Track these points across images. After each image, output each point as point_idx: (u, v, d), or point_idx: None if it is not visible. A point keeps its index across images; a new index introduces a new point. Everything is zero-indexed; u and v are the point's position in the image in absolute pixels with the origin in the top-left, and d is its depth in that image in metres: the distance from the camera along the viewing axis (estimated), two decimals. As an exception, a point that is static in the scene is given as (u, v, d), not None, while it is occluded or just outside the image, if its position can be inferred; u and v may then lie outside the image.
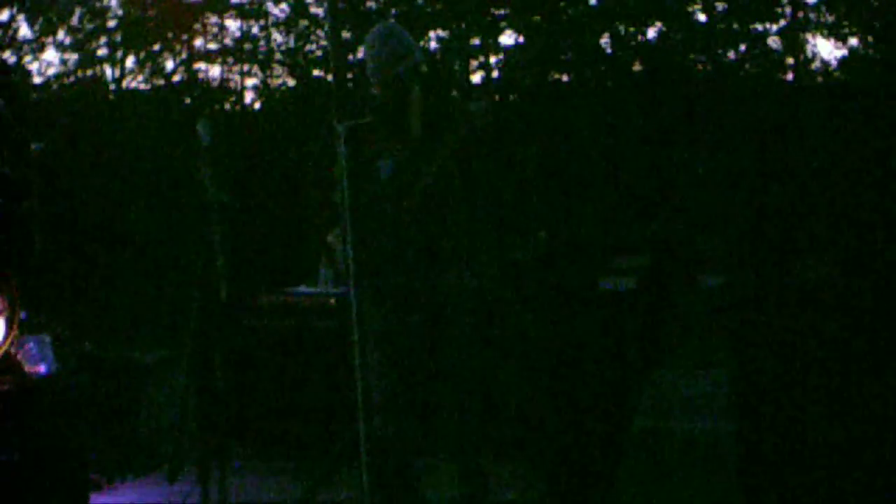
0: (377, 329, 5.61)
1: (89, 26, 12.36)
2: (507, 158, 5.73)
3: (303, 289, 7.74)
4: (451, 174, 5.56)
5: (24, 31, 12.31)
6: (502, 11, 12.13)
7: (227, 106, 12.34)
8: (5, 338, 6.92)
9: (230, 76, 12.46)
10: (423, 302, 5.59)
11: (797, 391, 6.04)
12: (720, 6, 11.77)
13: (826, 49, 11.87)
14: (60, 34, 12.35)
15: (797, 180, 8.91)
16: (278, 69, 12.51)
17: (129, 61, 12.47)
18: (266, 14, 12.40)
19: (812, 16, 11.71)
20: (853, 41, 11.63)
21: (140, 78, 12.47)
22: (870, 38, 11.63)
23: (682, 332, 6.60)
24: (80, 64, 12.38)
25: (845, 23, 11.63)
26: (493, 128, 5.50)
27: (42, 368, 6.88)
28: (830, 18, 11.64)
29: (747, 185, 9.22)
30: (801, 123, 9.85)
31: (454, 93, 9.76)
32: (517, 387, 6.70)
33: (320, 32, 12.32)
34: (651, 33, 11.90)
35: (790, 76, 11.70)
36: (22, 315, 6.96)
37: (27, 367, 6.86)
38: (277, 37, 12.50)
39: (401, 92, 5.67)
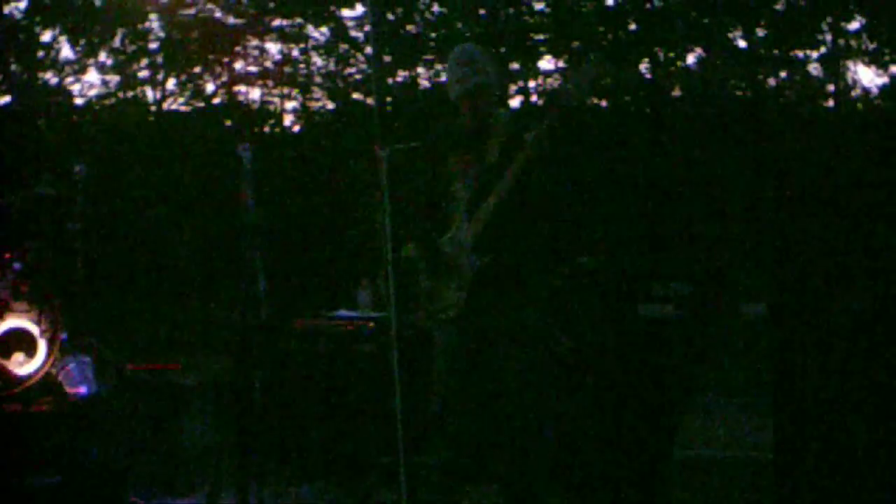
0: (440, 354, 5.66)
1: (131, 48, 12.44)
2: (550, 182, 5.73)
3: (342, 312, 7.74)
4: (510, 199, 5.57)
5: (66, 52, 12.41)
6: (542, 36, 12.14)
7: (267, 128, 12.38)
8: (46, 359, 6.97)
9: (270, 99, 12.50)
10: (481, 329, 5.61)
11: (839, 422, 5.99)
12: (761, 32, 11.73)
13: (867, 76, 11.82)
14: (102, 56, 12.44)
15: (840, 208, 8.86)
16: (318, 92, 12.55)
17: (170, 83, 12.54)
18: (306, 37, 12.44)
19: (853, 43, 11.66)
20: (894, 68, 11.58)
21: (181, 100, 12.54)
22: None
23: (722, 361, 6.56)
24: (122, 86, 12.45)
25: (886, 50, 11.58)
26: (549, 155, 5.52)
27: (83, 390, 6.92)
28: (871, 46, 11.59)
29: (789, 212, 9.17)
30: (841, 151, 9.81)
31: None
32: (558, 413, 6.69)
33: (360, 56, 12.37)
34: (691, 59, 11.89)
35: (831, 103, 11.65)
36: (63, 336, 7.02)
37: (68, 389, 6.91)
38: (317, 60, 12.54)
39: (477, 113, 5.71)
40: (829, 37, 11.68)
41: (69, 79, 12.42)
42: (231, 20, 12.39)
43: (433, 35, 12.29)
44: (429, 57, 12.21)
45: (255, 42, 12.46)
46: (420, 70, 12.22)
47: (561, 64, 12.09)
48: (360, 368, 7.20)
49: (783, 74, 11.66)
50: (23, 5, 12.16)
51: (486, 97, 5.73)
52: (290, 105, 12.57)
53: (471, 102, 5.71)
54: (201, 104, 12.48)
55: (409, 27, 12.26)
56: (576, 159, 9.88)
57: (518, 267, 5.59)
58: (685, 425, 6.36)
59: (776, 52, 11.69)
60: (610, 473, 6.53)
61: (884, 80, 11.62)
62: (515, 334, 5.52)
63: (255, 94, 12.49)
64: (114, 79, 12.47)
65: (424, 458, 5.82)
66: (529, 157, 5.47)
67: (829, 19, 11.63)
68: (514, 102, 12.03)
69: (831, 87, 11.70)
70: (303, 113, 12.52)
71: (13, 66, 12.23)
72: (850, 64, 11.64)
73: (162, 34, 12.45)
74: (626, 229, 9.80)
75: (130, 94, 12.53)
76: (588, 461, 6.58)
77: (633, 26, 12.00)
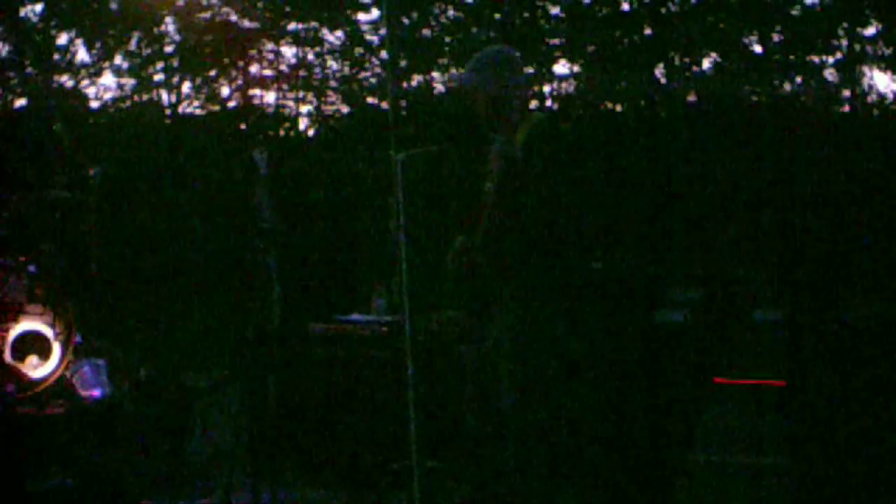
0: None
1: (146, 51, 12.46)
2: (560, 187, 5.76)
3: (355, 317, 7.73)
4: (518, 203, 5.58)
5: (82, 55, 12.44)
6: (557, 41, 12.13)
7: (282, 132, 12.39)
8: (60, 362, 6.98)
9: (285, 102, 12.51)
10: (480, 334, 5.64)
11: (852, 428, 5.98)
12: (776, 37, 11.72)
13: (883, 82, 11.81)
14: (118, 59, 12.47)
15: (856, 213, 8.84)
16: (333, 96, 12.56)
17: (186, 87, 12.56)
18: (321, 41, 12.45)
19: (869, 48, 11.64)
20: (910, 74, 11.57)
21: (196, 103, 12.56)
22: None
23: (735, 367, 6.55)
24: (137, 89, 12.48)
25: (902, 56, 11.57)
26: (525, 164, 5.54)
27: (96, 393, 6.92)
28: (887, 51, 11.57)
29: (804, 217, 9.16)
30: (857, 156, 9.79)
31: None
32: (568, 417, 6.68)
33: (375, 60, 12.38)
34: (706, 64, 11.88)
35: (847, 109, 11.63)
36: (77, 339, 7.03)
37: (81, 392, 6.92)
38: (332, 64, 12.55)
39: (493, 117, 5.75)
40: (844, 42, 11.67)
41: (85, 82, 12.46)
42: (246, 24, 12.42)
43: (448, 39, 12.29)
44: (444, 61, 12.22)
45: (270, 46, 12.48)
46: (435, 74, 12.24)
47: (576, 68, 12.10)
48: (374, 372, 7.19)
49: (798, 80, 11.65)
50: (39, 8, 12.21)
51: (504, 102, 5.74)
52: (304, 109, 12.59)
53: (488, 105, 5.73)
54: (216, 107, 12.50)
55: (425, 31, 12.27)
56: (590, 163, 9.87)
57: (529, 268, 5.59)
58: (696, 430, 6.35)
59: (792, 57, 11.67)
60: (621, 477, 6.52)
61: (900, 85, 11.62)
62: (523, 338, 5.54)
63: (270, 97, 12.52)
64: (129, 82, 12.50)
65: (437, 464, 5.83)
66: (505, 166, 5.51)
67: (844, 24, 11.61)
68: (530, 106, 12.00)
69: (847, 93, 11.69)
70: (318, 117, 12.53)
71: (29, 69, 12.27)
72: (866, 69, 11.62)
73: (177, 38, 12.48)
74: (639, 234, 9.79)
75: (146, 97, 12.56)
76: (599, 465, 6.57)
77: (648, 31, 11.99)
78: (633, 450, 6.52)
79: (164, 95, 12.60)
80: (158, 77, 12.58)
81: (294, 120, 12.52)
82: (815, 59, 11.64)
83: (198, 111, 12.53)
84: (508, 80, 5.73)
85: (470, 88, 5.81)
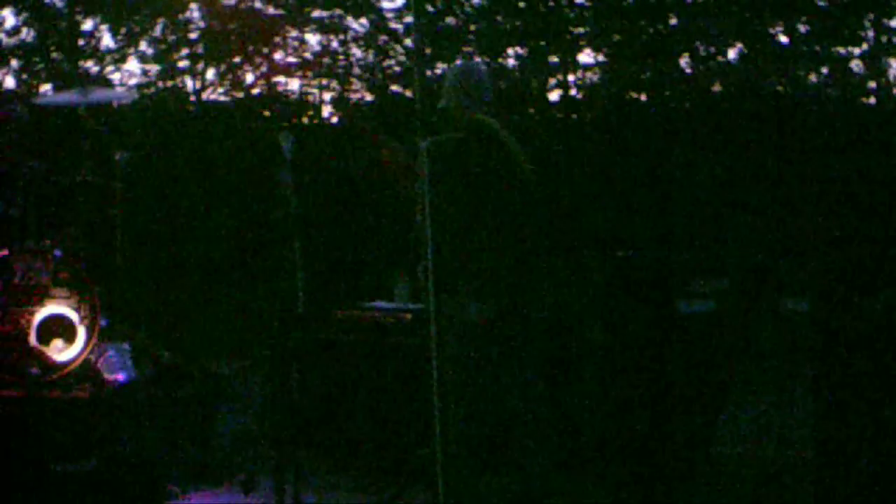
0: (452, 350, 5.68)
1: (171, 38, 12.47)
2: (583, 177, 5.77)
3: (379, 303, 7.74)
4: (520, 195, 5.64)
5: (107, 41, 12.45)
6: (582, 30, 12.11)
7: (306, 119, 12.39)
8: (85, 345, 7.00)
9: (309, 90, 12.51)
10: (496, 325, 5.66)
11: (880, 422, 5.95)
12: (802, 28, 11.69)
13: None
14: (143, 45, 12.48)
15: (882, 204, 8.80)
16: (356, 83, 12.55)
17: (210, 73, 12.57)
18: (346, 28, 12.45)
19: (895, 40, 11.60)
20: (937, 66, 11.53)
21: (220, 90, 12.57)
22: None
23: (762, 358, 6.53)
24: (162, 75, 12.49)
25: (929, 47, 11.53)
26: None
27: (121, 377, 6.94)
28: (914, 42, 11.55)
29: (831, 209, 9.13)
30: (884, 148, 9.75)
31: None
32: (589, 408, 6.68)
33: (399, 47, 12.37)
34: (731, 54, 11.85)
35: (873, 100, 11.60)
36: (102, 323, 7.05)
37: (106, 376, 6.94)
38: (357, 51, 12.55)
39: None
40: (871, 33, 11.63)
41: (110, 68, 12.48)
42: (271, 11, 12.42)
43: (473, 28, 12.28)
44: (468, 49, 12.21)
45: (294, 33, 12.48)
46: (460, 62, 12.21)
47: (601, 58, 12.07)
48: (397, 359, 7.20)
49: (824, 71, 11.62)
50: (65, -7, 12.25)
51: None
52: (328, 96, 12.59)
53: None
54: (241, 94, 12.51)
55: (449, 19, 12.25)
56: (617, 154, 9.87)
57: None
58: (722, 422, 6.34)
59: (817, 48, 11.64)
60: (643, 468, 6.51)
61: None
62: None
63: (294, 84, 12.52)
64: (154, 68, 12.51)
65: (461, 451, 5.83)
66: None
67: (871, 16, 11.57)
68: (553, 96, 12.02)
69: (873, 84, 11.65)
70: (341, 104, 12.53)
71: (54, 55, 12.30)
72: (892, 61, 11.59)
73: (202, 24, 12.49)
74: (665, 223, 9.77)
75: (170, 83, 12.57)
76: (621, 455, 6.56)
77: (673, 21, 11.96)
78: (655, 440, 6.51)
79: (189, 82, 12.62)
80: (183, 63, 12.59)
81: (318, 107, 12.52)
82: (842, 50, 11.61)
83: (222, 98, 12.54)
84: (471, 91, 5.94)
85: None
